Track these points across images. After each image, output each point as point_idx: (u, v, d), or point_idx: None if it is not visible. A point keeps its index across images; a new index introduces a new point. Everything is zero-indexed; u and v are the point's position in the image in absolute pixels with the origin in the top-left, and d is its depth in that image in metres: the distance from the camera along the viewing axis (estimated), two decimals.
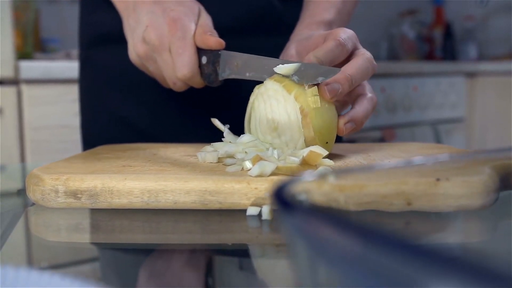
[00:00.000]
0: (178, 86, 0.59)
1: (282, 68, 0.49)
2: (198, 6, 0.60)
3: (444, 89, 2.16)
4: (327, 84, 0.48)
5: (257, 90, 0.51)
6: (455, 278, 0.10)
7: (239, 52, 0.56)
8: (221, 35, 0.57)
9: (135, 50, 0.59)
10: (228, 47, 0.57)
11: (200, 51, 0.57)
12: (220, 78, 0.57)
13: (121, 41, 0.68)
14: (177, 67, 0.56)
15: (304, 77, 0.48)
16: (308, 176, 0.19)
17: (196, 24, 0.58)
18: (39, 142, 1.33)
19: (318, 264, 0.14)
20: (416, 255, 0.11)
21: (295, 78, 0.49)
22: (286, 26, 0.72)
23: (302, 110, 0.47)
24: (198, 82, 0.59)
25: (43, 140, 1.33)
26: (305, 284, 0.18)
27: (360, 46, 0.54)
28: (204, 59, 0.57)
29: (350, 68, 0.49)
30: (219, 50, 0.57)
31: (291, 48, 0.59)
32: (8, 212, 0.47)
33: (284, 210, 0.15)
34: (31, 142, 1.32)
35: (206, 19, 0.59)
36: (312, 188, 0.20)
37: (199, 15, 0.59)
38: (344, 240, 0.12)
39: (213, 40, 0.56)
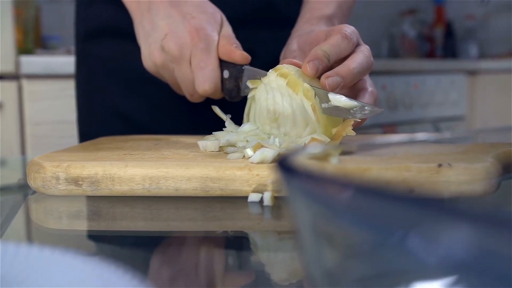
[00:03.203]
0: (195, 98, 0.57)
1: (342, 101, 0.46)
2: (220, 14, 0.57)
3: (445, 87, 2.16)
4: (327, 77, 0.47)
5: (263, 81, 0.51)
6: (453, 220, 0.10)
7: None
8: None
9: (151, 58, 0.55)
10: None
11: (222, 64, 0.54)
12: (242, 94, 0.54)
13: (117, 34, 0.67)
14: (198, 81, 0.53)
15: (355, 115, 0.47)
16: (312, 147, 0.19)
17: (219, 34, 0.54)
18: (40, 137, 1.33)
19: (320, 224, 0.14)
20: (415, 203, 0.11)
21: (349, 115, 0.47)
22: (285, 19, 0.71)
23: (313, 108, 0.46)
24: (218, 96, 0.56)
25: (43, 135, 1.33)
26: (307, 250, 0.18)
27: (362, 42, 0.54)
28: (226, 73, 0.54)
29: (352, 63, 0.49)
30: (243, 65, 0.53)
31: (293, 43, 0.59)
32: (8, 201, 0.47)
33: (288, 174, 0.15)
34: (31, 137, 1.32)
35: (229, 29, 0.56)
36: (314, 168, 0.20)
37: (221, 24, 0.56)
38: (347, 194, 0.12)
39: (239, 54, 0.53)
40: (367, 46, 0.53)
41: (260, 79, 0.51)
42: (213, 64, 0.53)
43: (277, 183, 0.40)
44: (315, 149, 0.19)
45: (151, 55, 0.55)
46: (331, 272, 0.18)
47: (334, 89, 0.47)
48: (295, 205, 0.16)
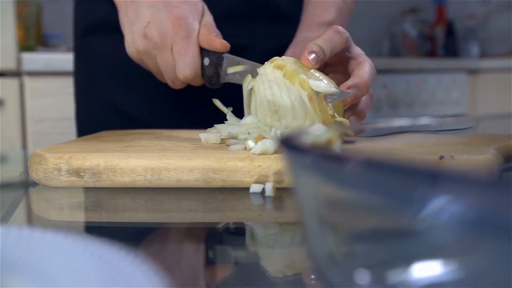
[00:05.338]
0: (177, 84, 0.58)
1: (322, 87, 0.47)
2: (202, 4, 0.58)
3: (446, 85, 2.16)
4: (348, 88, 0.48)
5: (259, 71, 0.51)
6: (452, 188, 0.10)
7: (234, 38, 0.56)
8: (216, 21, 0.57)
9: (134, 45, 0.57)
10: (222, 33, 0.56)
11: (202, 52, 0.56)
12: (222, 81, 0.56)
13: (115, 30, 0.67)
14: (178, 68, 0.55)
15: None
16: (316, 129, 0.19)
17: (200, 23, 0.56)
18: (41, 134, 1.33)
19: (323, 198, 0.14)
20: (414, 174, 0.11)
21: (328, 99, 0.48)
22: (283, 15, 0.72)
23: (310, 97, 0.47)
24: (198, 83, 0.57)
25: (44, 132, 1.33)
26: (312, 233, 0.18)
27: (354, 45, 0.54)
28: (206, 61, 0.56)
29: (364, 74, 0.50)
30: (222, 53, 0.55)
31: (288, 52, 0.60)
32: (10, 194, 0.47)
33: (293, 151, 0.15)
34: (32, 134, 1.32)
35: (210, 18, 0.58)
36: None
37: (202, 14, 0.57)
38: (350, 166, 0.12)
39: (219, 42, 0.54)
40: (366, 57, 0.53)
41: (238, 64, 0.54)
42: (194, 51, 0.55)
43: (283, 164, 0.40)
44: (318, 131, 0.19)
45: (134, 42, 0.57)
46: (336, 255, 0.18)
47: (352, 100, 0.49)
48: (301, 183, 0.16)
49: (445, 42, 2.66)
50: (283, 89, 0.48)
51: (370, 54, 0.55)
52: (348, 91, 0.48)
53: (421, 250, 0.16)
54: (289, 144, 0.16)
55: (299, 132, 0.18)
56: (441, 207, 0.10)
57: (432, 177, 0.10)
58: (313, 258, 0.19)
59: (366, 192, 0.12)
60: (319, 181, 0.14)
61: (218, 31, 0.56)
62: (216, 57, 0.55)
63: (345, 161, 0.12)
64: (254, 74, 0.51)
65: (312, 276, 0.26)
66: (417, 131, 0.28)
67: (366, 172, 0.12)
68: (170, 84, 0.59)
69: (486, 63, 2.28)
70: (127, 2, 0.58)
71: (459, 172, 0.10)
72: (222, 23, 0.58)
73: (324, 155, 0.13)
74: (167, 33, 0.55)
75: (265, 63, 0.50)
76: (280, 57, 0.50)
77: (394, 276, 0.17)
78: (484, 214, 0.09)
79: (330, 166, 0.13)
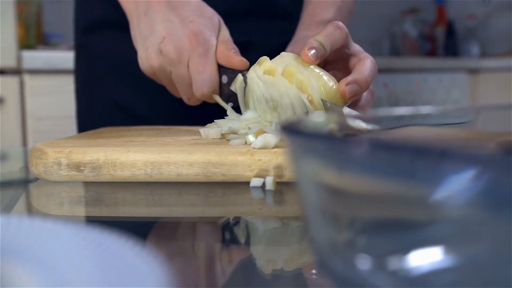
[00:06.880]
0: (192, 101, 0.57)
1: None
2: (218, 18, 0.57)
3: (446, 85, 2.16)
4: (347, 84, 0.48)
5: (249, 75, 0.51)
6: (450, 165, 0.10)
7: (237, 35, 0.56)
8: None
9: (149, 61, 0.55)
10: None
11: (220, 69, 0.54)
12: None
13: (116, 27, 0.67)
14: (196, 85, 0.53)
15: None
16: (317, 116, 0.19)
17: (217, 39, 0.55)
18: (41, 132, 1.33)
19: (325, 184, 0.14)
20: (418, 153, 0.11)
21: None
22: (284, 12, 0.72)
23: (310, 101, 0.46)
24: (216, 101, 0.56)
25: (45, 130, 1.33)
26: (312, 212, 0.18)
27: (353, 43, 0.54)
28: (224, 79, 0.54)
29: (365, 70, 0.50)
30: (241, 71, 0.53)
31: (287, 50, 0.60)
32: (10, 189, 0.47)
33: (296, 136, 0.15)
34: (33, 132, 1.32)
35: (227, 33, 0.56)
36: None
37: (219, 28, 0.56)
38: (351, 148, 0.12)
39: (238, 60, 0.53)
40: (367, 53, 0.53)
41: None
42: (212, 69, 0.53)
43: (284, 154, 0.40)
44: (319, 118, 0.19)
45: (149, 58, 0.55)
46: (338, 243, 0.18)
47: (352, 96, 0.48)
48: (303, 168, 0.16)
49: (445, 42, 2.66)
50: (281, 89, 0.48)
51: (371, 54, 0.55)
52: (348, 86, 0.48)
53: (424, 239, 0.16)
54: (291, 129, 0.16)
55: (300, 119, 0.18)
56: (449, 185, 0.10)
57: (441, 154, 0.10)
58: (315, 247, 0.19)
59: (374, 174, 0.12)
60: (322, 166, 0.14)
61: (236, 47, 0.55)
62: (234, 75, 0.53)
63: (351, 143, 0.12)
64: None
65: (313, 271, 0.26)
66: (417, 124, 0.28)
67: (375, 152, 0.12)
68: (185, 100, 0.57)
69: (486, 63, 2.28)
70: (140, 14, 0.56)
71: (468, 149, 0.10)
72: (225, 21, 0.58)
73: (329, 137, 0.13)
74: (183, 49, 0.53)
75: (254, 64, 0.50)
76: (280, 54, 0.50)
77: (395, 262, 0.17)
78: (493, 190, 0.09)
79: (336, 148, 0.13)
